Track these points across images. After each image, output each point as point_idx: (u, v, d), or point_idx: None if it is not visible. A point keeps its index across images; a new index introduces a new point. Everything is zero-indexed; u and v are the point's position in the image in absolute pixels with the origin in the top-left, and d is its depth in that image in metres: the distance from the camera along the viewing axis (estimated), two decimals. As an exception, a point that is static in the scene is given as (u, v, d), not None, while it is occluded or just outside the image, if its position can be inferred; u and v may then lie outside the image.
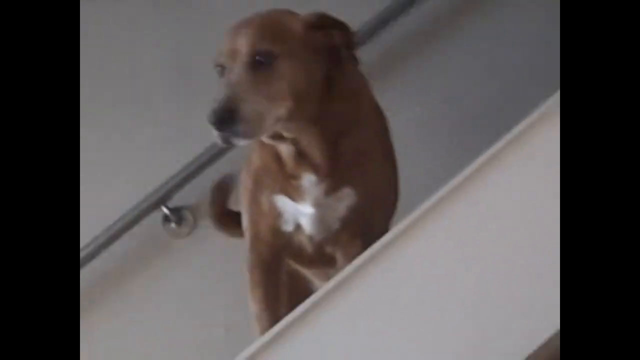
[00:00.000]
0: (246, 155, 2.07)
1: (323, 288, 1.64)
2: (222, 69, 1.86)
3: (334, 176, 1.93)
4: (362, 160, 1.96)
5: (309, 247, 2.03)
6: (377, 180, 1.99)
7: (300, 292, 2.18)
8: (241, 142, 1.79)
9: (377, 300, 1.59)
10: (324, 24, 1.87)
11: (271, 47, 1.80)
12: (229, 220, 2.42)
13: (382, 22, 2.74)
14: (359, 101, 1.96)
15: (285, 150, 1.93)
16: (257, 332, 2.02)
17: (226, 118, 1.73)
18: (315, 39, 1.86)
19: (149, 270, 2.81)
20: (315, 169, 1.93)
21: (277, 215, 1.98)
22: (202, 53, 2.73)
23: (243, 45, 1.81)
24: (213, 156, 2.73)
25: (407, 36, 2.80)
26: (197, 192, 2.79)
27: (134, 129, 2.84)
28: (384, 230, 1.92)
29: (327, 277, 2.12)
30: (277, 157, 1.95)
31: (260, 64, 1.80)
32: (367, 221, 1.98)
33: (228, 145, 1.80)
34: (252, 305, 2.06)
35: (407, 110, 2.74)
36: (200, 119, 2.74)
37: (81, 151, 2.79)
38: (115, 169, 2.84)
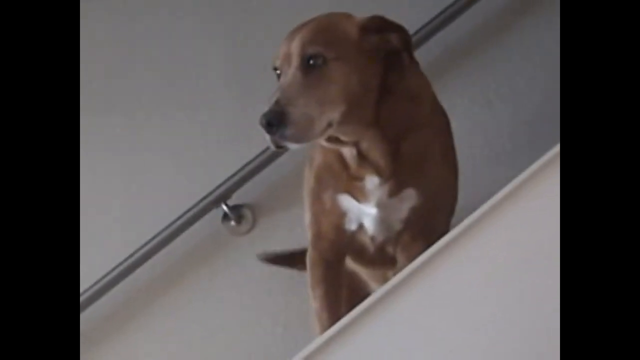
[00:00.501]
0: (307, 153, 2.08)
1: (382, 288, 1.64)
2: (278, 72, 1.87)
3: (397, 178, 1.94)
4: (424, 162, 1.96)
5: (370, 247, 2.04)
6: (439, 181, 1.99)
7: (357, 293, 2.18)
8: (291, 146, 1.80)
9: (436, 301, 1.58)
10: (380, 27, 1.87)
11: (322, 50, 1.81)
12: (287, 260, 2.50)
13: (443, 21, 2.73)
14: (419, 103, 1.96)
15: (347, 152, 1.94)
16: (316, 331, 2.02)
17: (276, 121, 1.74)
18: (371, 42, 1.86)
19: (209, 267, 2.83)
20: (378, 170, 1.93)
21: (340, 214, 1.99)
22: (260, 55, 2.76)
23: (296, 48, 1.82)
24: (273, 154, 2.73)
25: (467, 36, 2.78)
26: (256, 190, 2.81)
27: (195, 129, 2.86)
28: (445, 230, 1.93)
29: (384, 279, 2.12)
30: (341, 158, 1.96)
31: (312, 67, 1.80)
32: (428, 222, 1.98)
33: (279, 148, 1.81)
34: (312, 303, 2.07)
35: (466, 111, 2.73)
36: (260, 118, 2.79)
37: (142, 150, 2.86)
38: (176, 168, 2.86)
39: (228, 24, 2.89)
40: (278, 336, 2.75)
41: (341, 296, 2.08)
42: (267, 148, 2.70)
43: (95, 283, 2.76)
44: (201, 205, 2.77)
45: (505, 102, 2.75)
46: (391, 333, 1.60)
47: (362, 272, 2.24)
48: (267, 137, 1.78)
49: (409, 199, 1.96)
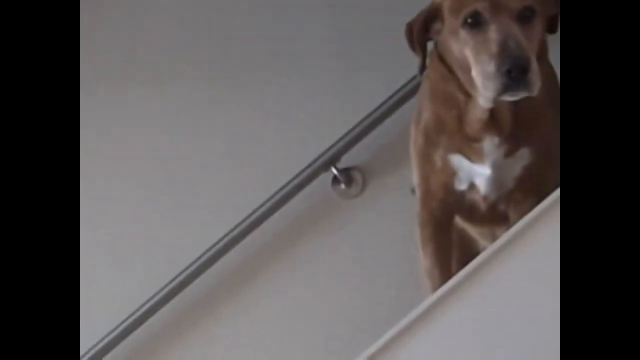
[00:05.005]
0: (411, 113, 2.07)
1: (492, 246, 1.62)
2: (475, 18, 1.81)
3: (514, 137, 1.92)
4: (538, 121, 1.94)
5: (482, 206, 2.02)
6: (550, 138, 1.95)
7: (467, 251, 2.17)
8: (522, 94, 1.77)
9: (551, 258, 1.56)
10: None
11: (534, 4, 1.81)
12: None
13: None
14: (543, 61, 1.92)
15: (478, 112, 1.90)
16: (427, 289, 2.03)
17: (527, 67, 1.72)
18: (545, 2, 1.85)
19: (319, 230, 2.84)
20: (500, 131, 1.91)
21: (451, 174, 1.98)
22: (366, 16, 2.75)
23: None
24: (381, 116, 2.73)
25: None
26: (366, 152, 2.81)
27: (304, 93, 2.87)
28: (556, 186, 1.90)
29: (493, 236, 2.10)
30: (457, 116, 1.93)
31: (524, 19, 1.79)
32: (540, 179, 1.95)
33: (507, 95, 1.77)
34: (422, 261, 2.07)
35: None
36: (367, 81, 2.79)
37: (251, 115, 2.89)
38: (285, 132, 2.88)
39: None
40: (391, 297, 2.75)
41: (451, 254, 2.08)
42: (376, 109, 2.72)
43: (217, 243, 2.81)
44: (311, 169, 2.79)
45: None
46: (506, 289, 1.59)
47: (471, 230, 2.22)
48: (499, 83, 1.74)
49: (523, 158, 1.95)
